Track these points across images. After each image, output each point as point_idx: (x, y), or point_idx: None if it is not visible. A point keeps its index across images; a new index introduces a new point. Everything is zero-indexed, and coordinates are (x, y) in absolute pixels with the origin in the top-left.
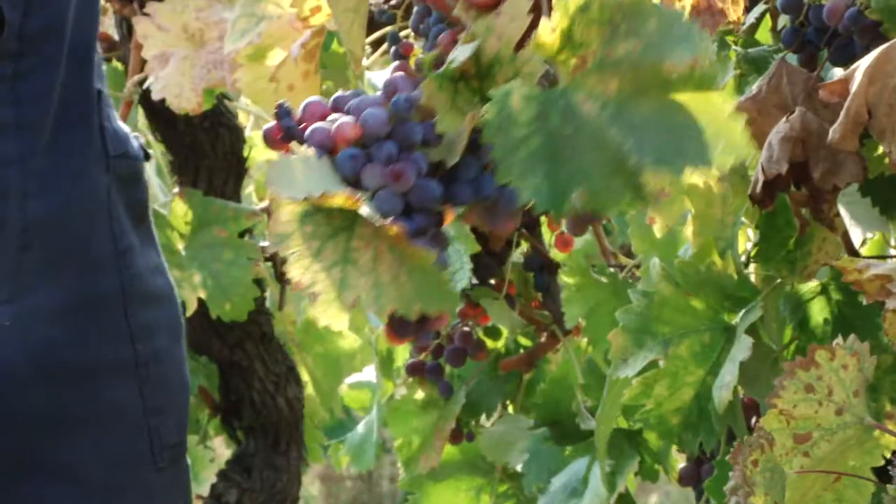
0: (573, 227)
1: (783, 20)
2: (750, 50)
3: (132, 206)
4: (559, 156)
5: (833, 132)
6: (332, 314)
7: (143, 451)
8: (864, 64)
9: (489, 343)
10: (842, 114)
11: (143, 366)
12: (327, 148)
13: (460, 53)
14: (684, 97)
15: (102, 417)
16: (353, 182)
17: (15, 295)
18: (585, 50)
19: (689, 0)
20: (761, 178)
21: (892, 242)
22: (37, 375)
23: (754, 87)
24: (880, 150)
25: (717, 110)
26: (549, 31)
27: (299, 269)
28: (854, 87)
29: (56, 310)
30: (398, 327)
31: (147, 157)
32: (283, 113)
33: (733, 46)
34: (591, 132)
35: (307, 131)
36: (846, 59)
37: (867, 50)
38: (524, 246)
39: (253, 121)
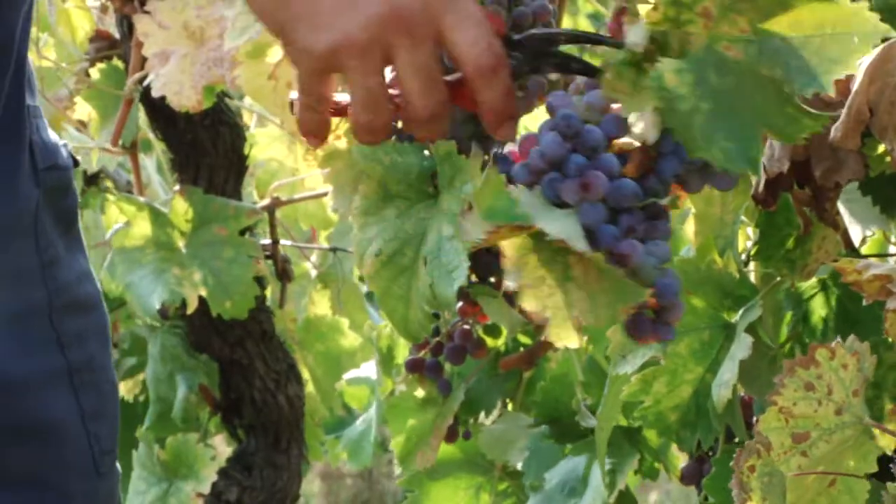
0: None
1: None
2: None
3: (60, 216)
4: (731, 111)
5: (835, 130)
6: (566, 335)
7: (86, 457)
8: (864, 62)
9: (489, 341)
10: (843, 112)
11: (77, 373)
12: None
13: (635, 35)
14: (805, 9)
15: (46, 425)
16: (560, 204)
17: None
18: (700, 4)
19: None
20: (763, 178)
21: (893, 240)
22: None
23: None
24: (881, 148)
25: (839, 9)
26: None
27: (531, 299)
28: (855, 85)
29: None
30: (636, 327)
31: (76, 163)
32: (501, 159)
33: None
34: (749, 74)
35: (514, 170)
36: None
37: None
38: None
39: (256, 119)
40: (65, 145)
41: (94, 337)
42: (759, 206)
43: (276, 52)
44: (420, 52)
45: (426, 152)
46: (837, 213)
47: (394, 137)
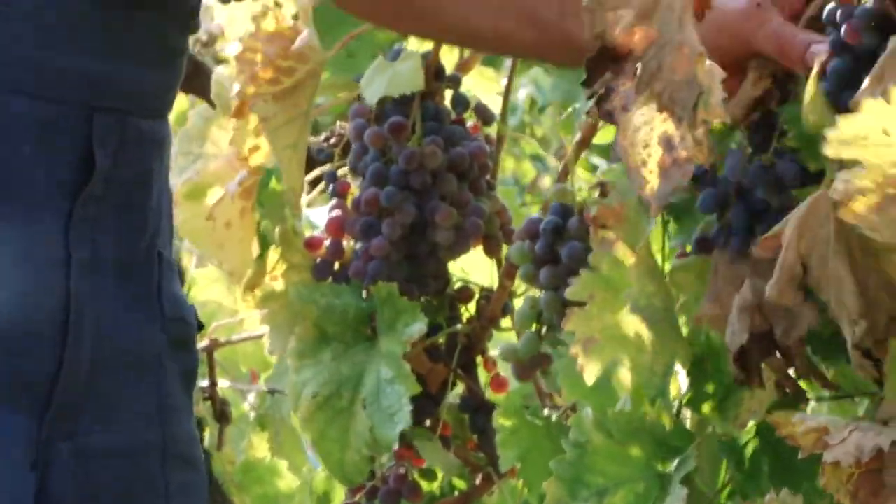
0: (521, 373)
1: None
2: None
3: (183, 371)
4: None
5: (770, 289)
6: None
7: None
8: (792, 218)
9: (424, 485)
10: (776, 269)
11: None
12: None
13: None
14: None
15: None
16: None
17: (73, 432)
18: None
19: (654, 160)
20: (732, 356)
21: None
22: None
23: (708, 290)
24: None
25: None
26: None
27: None
28: (785, 241)
29: (107, 451)
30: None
31: (202, 327)
32: None
33: None
34: None
35: None
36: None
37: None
38: (460, 387)
39: (195, 260)
40: (193, 307)
41: (196, 494)
42: (741, 385)
43: (214, 193)
44: None
45: (363, 294)
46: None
47: (330, 279)
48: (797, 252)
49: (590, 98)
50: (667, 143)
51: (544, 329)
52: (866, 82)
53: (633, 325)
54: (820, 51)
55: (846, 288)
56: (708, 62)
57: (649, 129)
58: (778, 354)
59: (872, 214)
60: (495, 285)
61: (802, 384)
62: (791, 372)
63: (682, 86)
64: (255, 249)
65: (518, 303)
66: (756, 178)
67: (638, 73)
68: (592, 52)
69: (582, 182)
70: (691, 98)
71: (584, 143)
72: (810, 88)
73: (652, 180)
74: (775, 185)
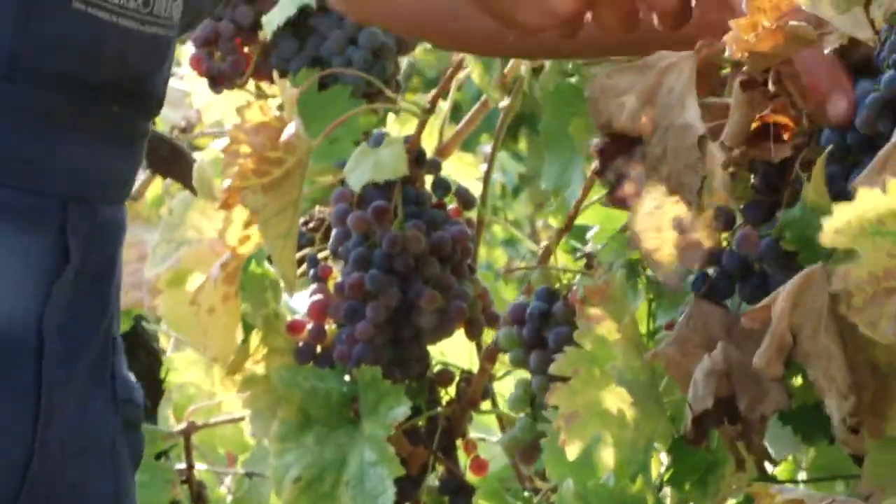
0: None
1: None
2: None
3: (132, 452)
4: None
5: (758, 358)
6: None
7: None
8: (786, 289)
9: None
10: (765, 339)
11: None
12: None
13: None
14: None
15: None
16: None
17: None
18: None
19: (668, 244)
20: (690, 417)
21: (804, 465)
22: None
23: (674, 331)
24: (799, 379)
25: None
26: None
27: None
28: (777, 311)
29: None
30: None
31: (147, 408)
32: None
33: (643, 272)
34: None
35: None
36: (760, 298)
37: (782, 283)
38: (439, 469)
39: (173, 343)
40: (140, 387)
41: None
42: (690, 444)
43: (196, 279)
44: None
45: (346, 377)
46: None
47: (311, 363)
48: (788, 322)
49: (604, 185)
50: (679, 226)
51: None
52: (866, 171)
53: (616, 400)
54: (839, 108)
55: (835, 363)
56: (710, 145)
57: (661, 212)
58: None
59: (868, 308)
60: (474, 368)
61: (782, 471)
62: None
63: (686, 169)
64: (240, 334)
65: (497, 385)
66: (765, 254)
67: (646, 158)
68: (601, 142)
69: (564, 263)
70: (696, 182)
71: (568, 228)
72: (818, 165)
73: (667, 265)
74: (785, 260)
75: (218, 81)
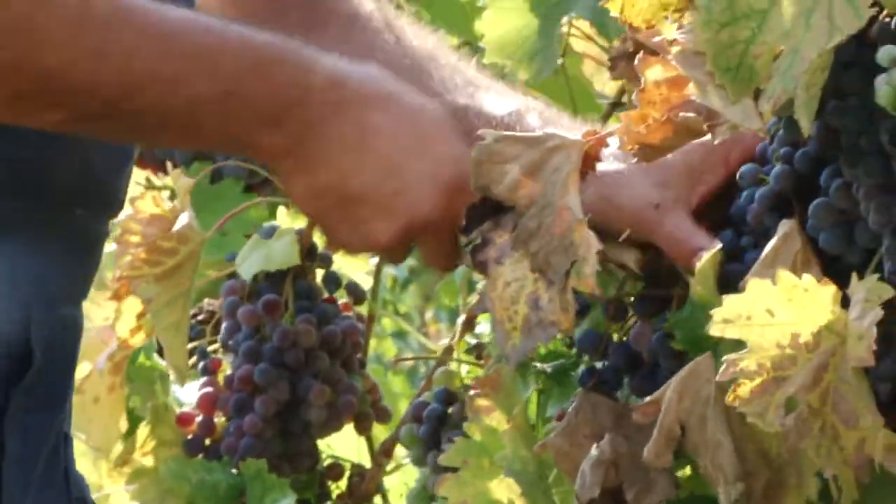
0: None
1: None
2: (548, 365)
3: None
4: None
5: (647, 450)
6: None
7: None
8: (674, 381)
9: None
10: (654, 431)
11: None
12: None
13: None
14: None
15: None
16: None
17: None
18: None
19: (520, 318)
20: None
21: None
22: None
23: (563, 421)
24: (688, 470)
25: None
26: None
27: None
28: (665, 404)
29: None
30: None
31: None
32: None
33: (532, 363)
34: None
35: None
36: (651, 390)
37: (672, 374)
38: None
39: None
40: (88, 486)
41: None
42: None
43: (83, 368)
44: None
45: (234, 471)
46: None
47: (201, 455)
48: (676, 414)
49: (465, 245)
50: (534, 304)
51: None
52: (757, 265)
53: (505, 491)
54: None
55: (724, 450)
56: (587, 231)
57: (519, 286)
58: None
59: (756, 399)
60: (363, 461)
61: None
62: None
63: (558, 250)
64: (124, 425)
65: (387, 481)
66: (656, 349)
67: (517, 229)
68: (474, 202)
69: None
70: (565, 264)
71: (469, 323)
72: (706, 262)
73: (514, 337)
74: (675, 353)
75: None
